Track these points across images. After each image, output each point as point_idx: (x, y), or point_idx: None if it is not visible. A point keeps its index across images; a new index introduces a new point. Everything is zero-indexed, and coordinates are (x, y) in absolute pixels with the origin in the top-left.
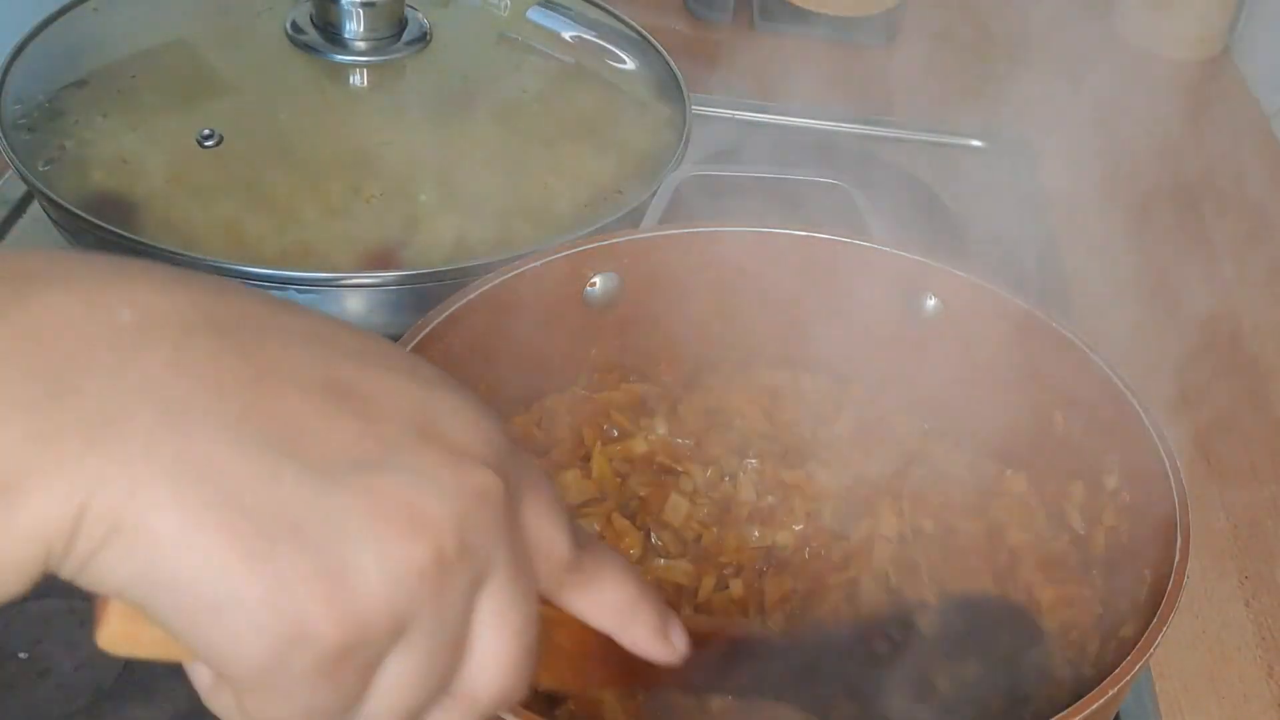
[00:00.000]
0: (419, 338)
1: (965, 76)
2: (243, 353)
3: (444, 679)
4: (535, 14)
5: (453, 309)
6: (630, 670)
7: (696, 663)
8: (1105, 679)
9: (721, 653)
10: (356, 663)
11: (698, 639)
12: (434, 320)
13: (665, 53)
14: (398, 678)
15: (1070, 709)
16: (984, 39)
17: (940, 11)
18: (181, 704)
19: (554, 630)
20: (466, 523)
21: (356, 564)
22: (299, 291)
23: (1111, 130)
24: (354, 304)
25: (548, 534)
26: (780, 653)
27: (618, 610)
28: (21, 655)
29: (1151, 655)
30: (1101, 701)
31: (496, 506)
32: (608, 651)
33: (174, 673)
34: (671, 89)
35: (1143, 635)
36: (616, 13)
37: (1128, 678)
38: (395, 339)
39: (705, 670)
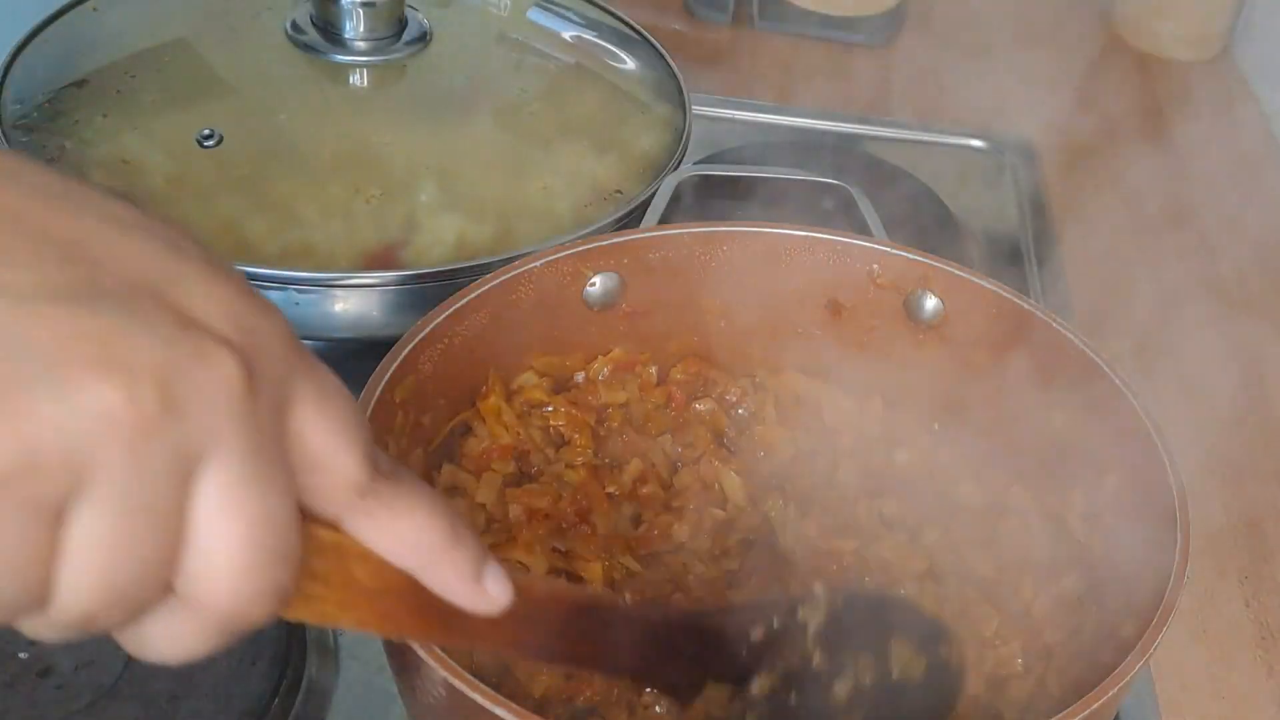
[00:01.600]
0: (419, 338)
1: (965, 76)
2: None
3: (155, 561)
4: (535, 14)
5: (453, 309)
6: (450, 623)
7: (533, 625)
8: (1105, 679)
9: (566, 620)
10: (23, 497)
11: (542, 601)
12: (434, 320)
13: (665, 53)
14: (88, 539)
15: (1070, 709)
16: (984, 39)
17: (940, 11)
18: (182, 704)
19: (352, 564)
20: (177, 379)
21: (32, 390)
22: (299, 291)
23: (1111, 130)
24: (354, 304)
25: (328, 446)
26: (633, 627)
27: (419, 547)
28: (21, 655)
29: (1151, 655)
30: (1101, 701)
31: (226, 379)
32: (423, 597)
33: (174, 672)
34: (671, 89)
35: (1143, 635)
36: (616, 13)
37: (1128, 677)
38: (395, 339)
39: (542, 635)
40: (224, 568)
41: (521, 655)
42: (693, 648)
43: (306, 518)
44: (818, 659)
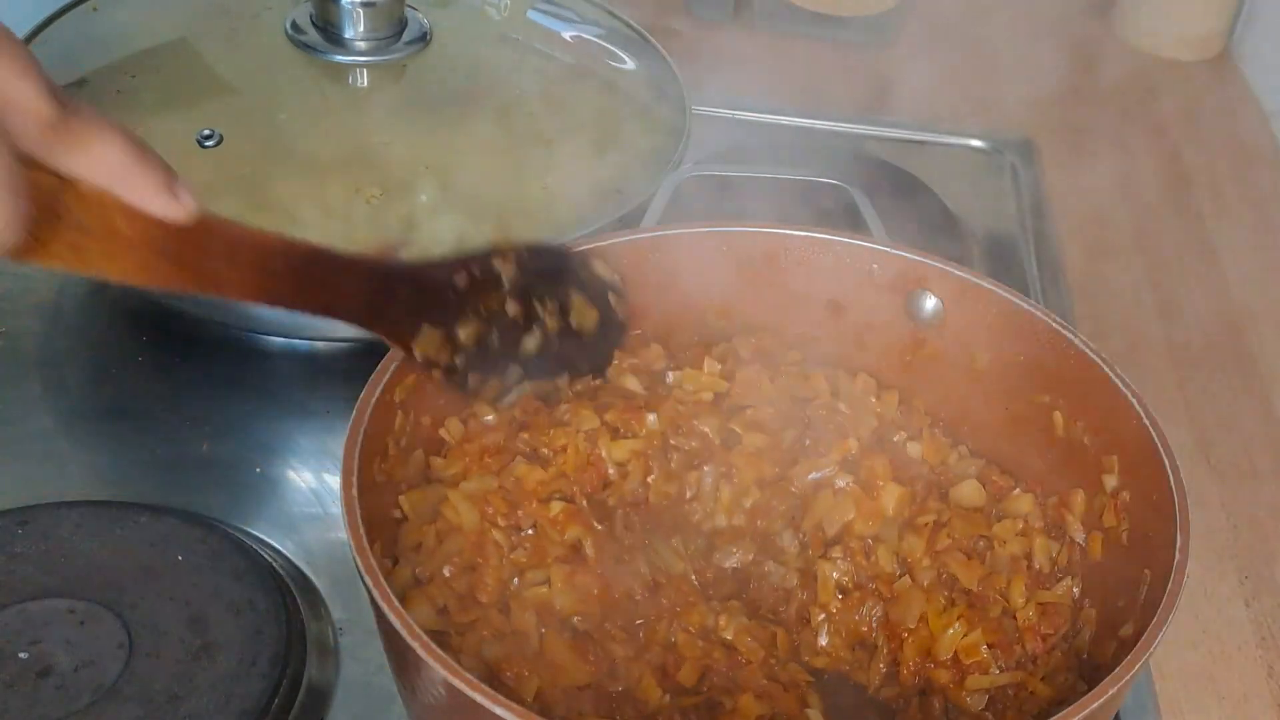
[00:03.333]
0: None
1: (965, 76)
2: None
3: None
4: (535, 14)
5: None
6: (203, 273)
7: (273, 275)
8: (1105, 679)
9: (300, 268)
10: None
11: (279, 249)
12: None
13: (665, 53)
14: None
15: (1070, 709)
16: (984, 39)
17: (939, 11)
18: (182, 704)
19: (114, 214)
20: None
21: None
22: None
23: (1112, 130)
24: None
25: (14, 89)
26: (359, 274)
27: (113, 167)
28: (21, 655)
29: (1151, 655)
30: (1101, 701)
31: None
32: (176, 246)
33: (174, 672)
34: (671, 89)
35: (1143, 635)
36: (616, 13)
37: (1128, 677)
38: None
39: (281, 284)
40: None
41: (263, 301)
42: (410, 295)
43: (65, 176)
44: (512, 307)
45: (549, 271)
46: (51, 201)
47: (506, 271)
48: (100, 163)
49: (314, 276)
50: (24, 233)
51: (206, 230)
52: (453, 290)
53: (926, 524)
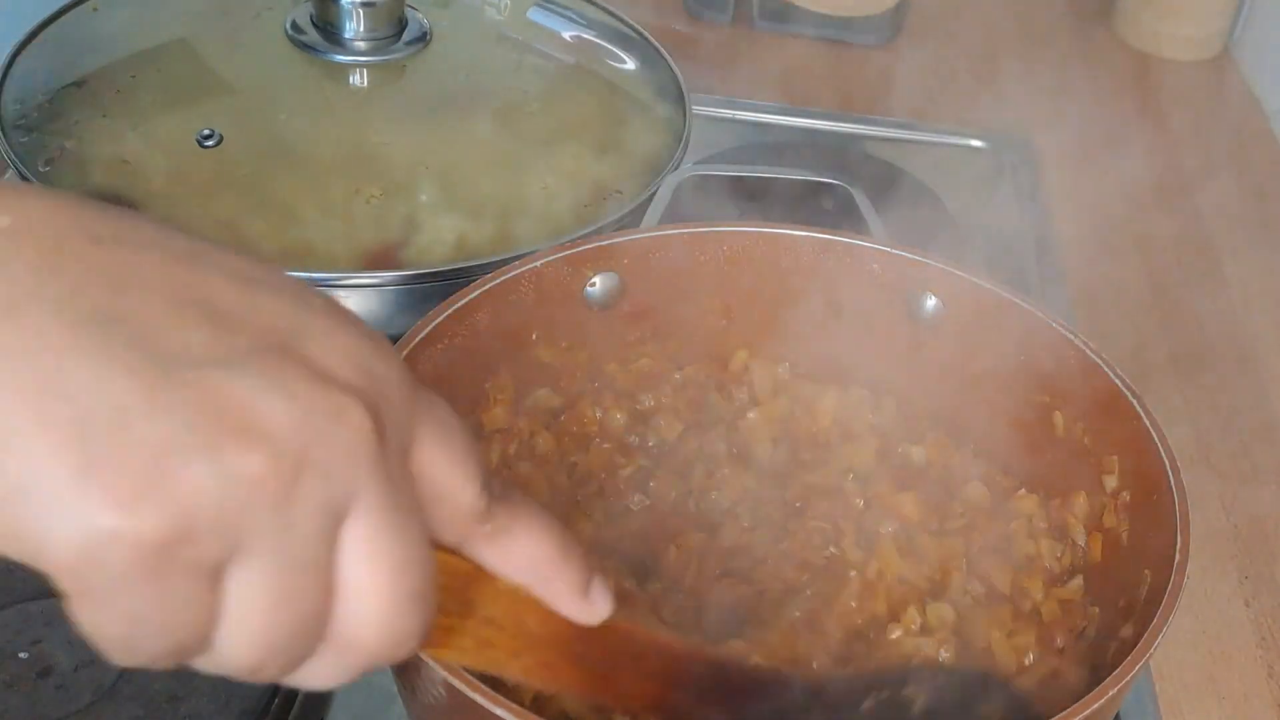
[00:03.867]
0: (419, 338)
1: (965, 76)
2: (111, 260)
3: (312, 614)
4: (535, 14)
5: (453, 309)
6: (607, 680)
7: (678, 687)
8: (1105, 679)
9: (705, 682)
10: (182, 566)
11: (691, 659)
12: (434, 320)
13: (665, 53)
14: (248, 599)
15: (1070, 709)
16: (984, 39)
17: (940, 11)
18: (182, 704)
19: (525, 611)
20: (315, 440)
21: (182, 461)
22: None
23: (1111, 130)
24: (354, 304)
25: (450, 479)
26: (768, 691)
27: (534, 563)
28: (21, 655)
29: (1151, 655)
30: (1101, 701)
31: (359, 433)
32: (580, 649)
33: (174, 673)
34: (671, 89)
35: (1143, 635)
36: (616, 13)
37: (1128, 678)
38: (395, 339)
39: (687, 696)
40: (373, 613)
41: (662, 716)
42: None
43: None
44: None
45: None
46: (464, 591)
47: (918, 700)
48: (522, 560)
49: (721, 690)
50: (430, 631)
51: (615, 634)
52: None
53: (957, 528)
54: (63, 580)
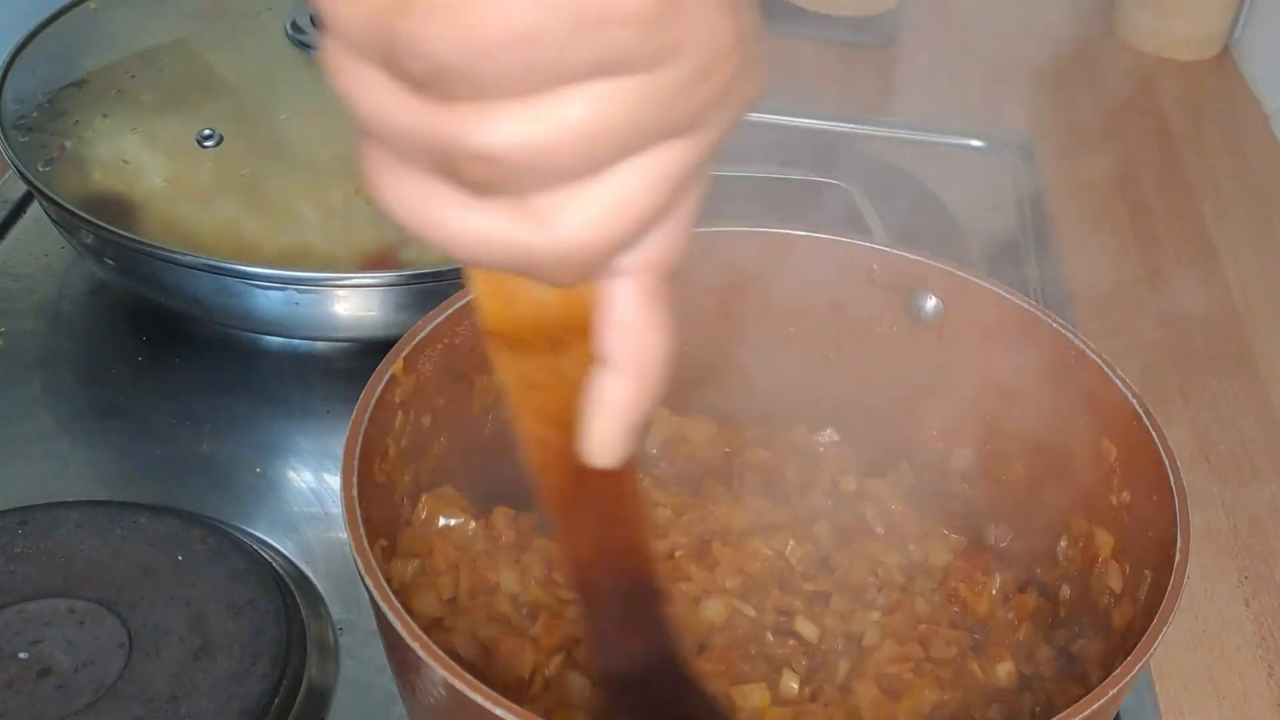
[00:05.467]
0: (419, 338)
1: (965, 76)
2: None
3: (657, 129)
4: None
5: (453, 309)
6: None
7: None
8: (1105, 679)
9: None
10: (592, 40)
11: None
12: (434, 320)
13: None
14: (614, 96)
15: (1070, 709)
16: (984, 39)
17: (941, 11)
18: (182, 704)
19: (574, 394)
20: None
21: None
22: (299, 291)
23: (1111, 130)
24: (354, 304)
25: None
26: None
27: (625, 343)
28: (21, 655)
29: (1151, 655)
30: (1101, 701)
31: (754, 92)
32: (586, 476)
33: (173, 673)
34: None
35: (1143, 635)
36: None
37: (1128, 678)
38: (395, 339)
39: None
40: (677, 237)
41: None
42: None
43: None
44: None
45: None
46: (561, 322)
47: None
48: (630, 337)
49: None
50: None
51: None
52: None
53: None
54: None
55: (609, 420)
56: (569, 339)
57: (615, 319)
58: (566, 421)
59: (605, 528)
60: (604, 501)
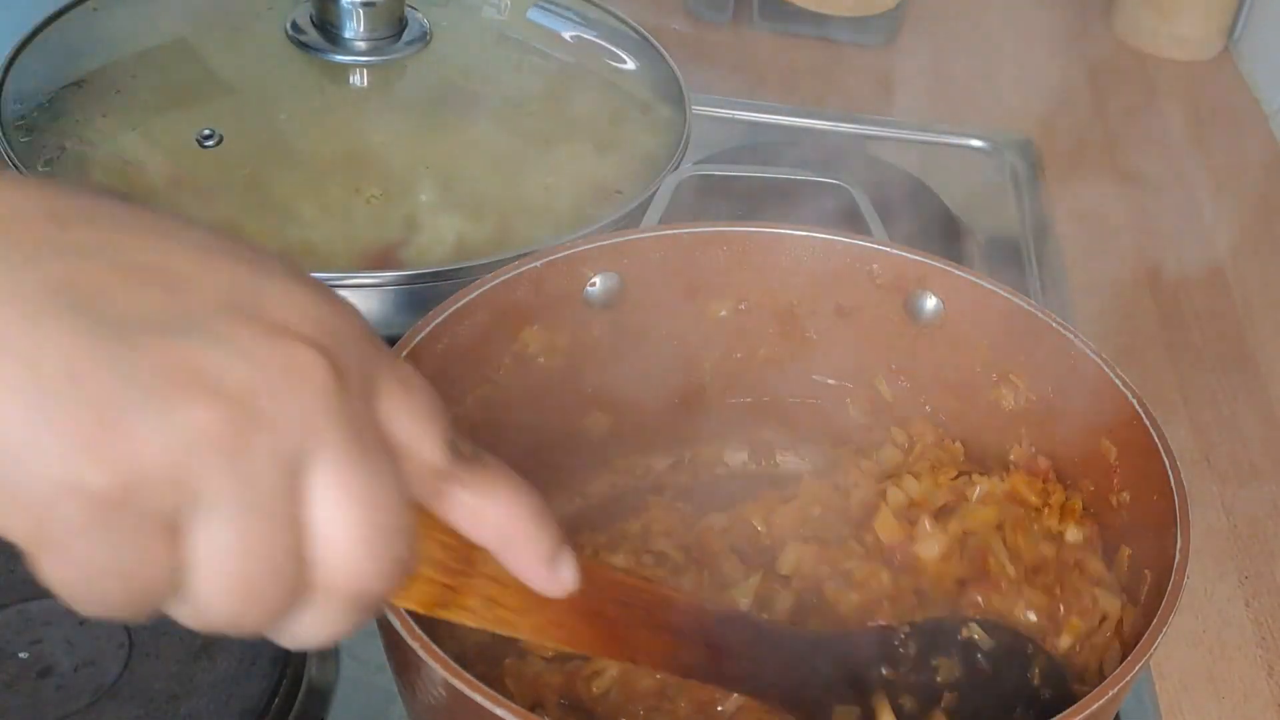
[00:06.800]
0: (419, 338)
1: (965, 76)
2: (68, 235)
3: (284, 560)
4: (535, 14)
5: (453, 309)
6: (619, 639)
7: (686, 643)
8: (1105, 679)
9: (712, 635)
10: (136, 517)
11: (692, 614)
12: (434, 320)
13: (665, 53)
14: (215, 548)
15: (1070, 709)
16: (984, 39)
17: (940, 11)
18: (182, 704)
19: None
20: (268, 391)
21: (134, 418)
22: None
23: (1111, 130)
24: (354, 304)
25: (411, 433)
26: (772, 643)
27: (500, 527)
28: (21, 655)
29: (1151, 655)
30: (1101, 701)
31: (314, 380)
32: (594, 608)
33: (174, 672)
34: (671, 89)
35: (1143, 635)
36: (616, 13)
37: (1128, 678)
38: (395, 339)
39: (693, 653)
40: (346, 549)
41: (676, 673)
42: (825, 670)
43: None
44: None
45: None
46: (465, 549)
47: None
48: (489, 521)
49: (732, 646)
50: (402, 580)
51: (621, 588)
52: (880, 666)
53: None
54: (21, 537)
55: (531, 566)
56: (467, 561)
57: (461, 518)
58: (534, 598)
59: (630, 624)
60: (614, 608)
